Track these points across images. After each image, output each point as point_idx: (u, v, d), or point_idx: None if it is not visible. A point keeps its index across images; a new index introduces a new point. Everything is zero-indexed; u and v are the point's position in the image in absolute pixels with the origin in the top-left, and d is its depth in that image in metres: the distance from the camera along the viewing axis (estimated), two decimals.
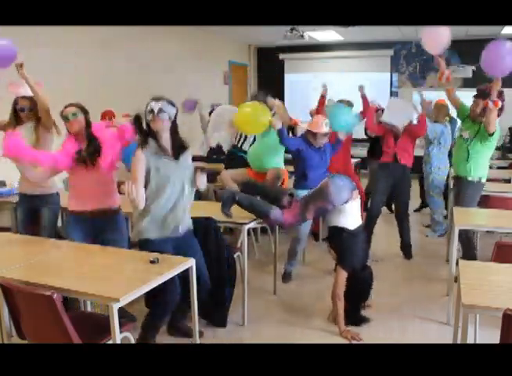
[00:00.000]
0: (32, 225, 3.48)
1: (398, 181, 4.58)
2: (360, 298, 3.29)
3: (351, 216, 3.19)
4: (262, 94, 4.38)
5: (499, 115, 3.79)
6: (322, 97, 5.29)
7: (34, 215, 3.49)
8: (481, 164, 3.92)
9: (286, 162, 4.57)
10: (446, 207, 5.39)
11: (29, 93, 3.34)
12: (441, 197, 5.32)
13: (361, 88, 5.12)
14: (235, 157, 4.93)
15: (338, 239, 3.22)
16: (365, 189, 6.57)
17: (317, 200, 3.13)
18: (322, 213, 3.17)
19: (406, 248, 4.72)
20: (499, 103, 3.66)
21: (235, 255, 3.36)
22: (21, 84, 3.34)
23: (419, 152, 5.67)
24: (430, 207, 5.42)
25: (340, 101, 4.98)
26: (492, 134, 3.77)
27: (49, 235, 3.33)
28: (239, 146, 5.00)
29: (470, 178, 3.93)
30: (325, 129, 3.83)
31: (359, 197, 3.28)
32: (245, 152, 4.82)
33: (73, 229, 2.98)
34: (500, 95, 3.81)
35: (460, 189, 3.99)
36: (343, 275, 3.16)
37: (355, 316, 3.26)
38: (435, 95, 5.39)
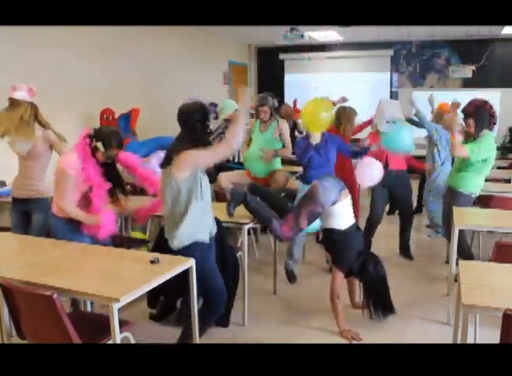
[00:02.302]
0: (24, 228, 3.47)
1: (393, 187, 4.52)
2: (381, 291, 3.17)
3: (341, 217, 3.18)
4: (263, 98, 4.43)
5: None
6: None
7: (27, 218, 3.49)
8: (472, 179, 3.82)
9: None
10: None
11: (26, 97, 3.34)
12: (439, 201, 5.30)
13: None
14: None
15: (330, 240, 3.23)
16: None
17: (307, 205, 3.13)
18: (314, 217, 3.16)
19: (405, 250, 4.74)
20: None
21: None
22: (20, 87, 3.33)
23: (421, 152, 5.67)
24: (428, 209, 5.39)
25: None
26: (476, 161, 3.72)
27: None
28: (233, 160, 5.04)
29: (460, 190, 3.86)
30: None
31: (350, 196, 3.27)
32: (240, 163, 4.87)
33: (75, 236, 2.92)
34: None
35: (450, 199, 3.92)
36: (339, 275, 3.16)
37: (384, 309, 3.17)
38: (436, 96, 5.36)
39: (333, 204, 3.12)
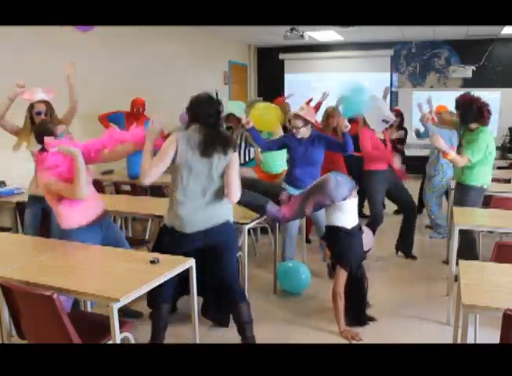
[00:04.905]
0: (42, 227, 3.44)
1: (393, 185, 4.56)
2: (361, 297, 3.28)
3: (349, 214, 3.19)
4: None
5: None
6: (319, 103, 5.52)
7: (44, 217, 3.45)
8: (478, 171, 3.86)
9: None
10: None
11: (43, 97, 3.39)
12: (441, 202, 5.29)
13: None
14: None
15: (335, 238, 3.22)
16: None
17: (316, 195, 3.14)
18: (320, 208, 3.20)
19: (407, 249, 4.72)
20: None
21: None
22: (34, 90, 3.36)
23: (423, 152, 5.67)
24: (430, 210, 5.38)
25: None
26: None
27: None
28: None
29: (472, 184, 3.88)
30: (299, 112, 3.83)
31: (357, 196, 3.28)
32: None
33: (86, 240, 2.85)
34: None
35: (462, 195, 3.94)
36: (343, 274, 3.16)
37: (359, 317, 3.27)
38: (435, 95, 5.34)
39: (344, 199, 3.13)
